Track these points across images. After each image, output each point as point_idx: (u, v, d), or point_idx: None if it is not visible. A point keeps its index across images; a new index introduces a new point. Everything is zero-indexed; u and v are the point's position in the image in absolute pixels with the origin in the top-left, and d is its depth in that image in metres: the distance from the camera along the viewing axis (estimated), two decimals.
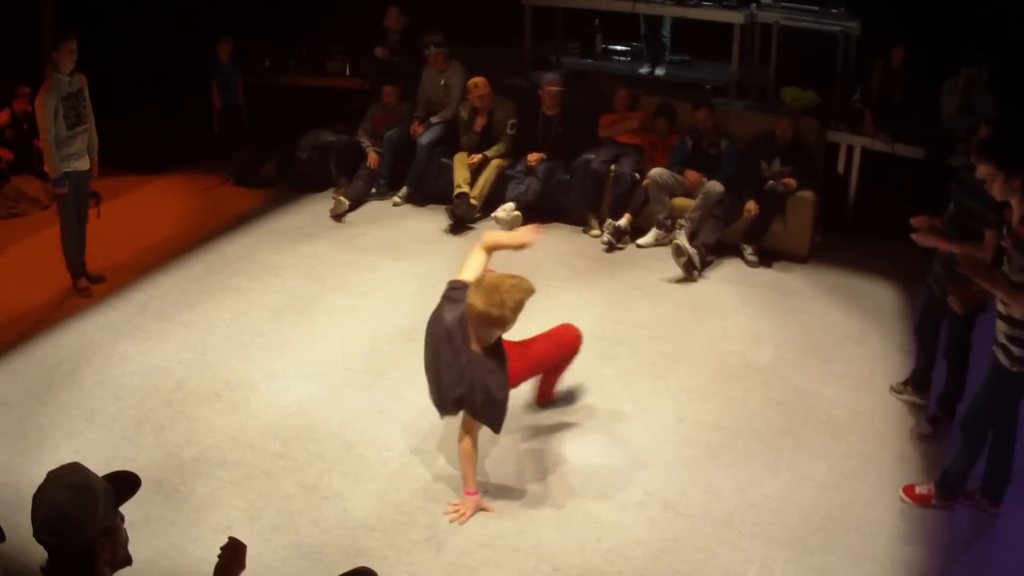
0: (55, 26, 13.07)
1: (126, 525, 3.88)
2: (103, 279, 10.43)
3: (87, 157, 9.93)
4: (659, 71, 15.22)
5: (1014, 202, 6.39)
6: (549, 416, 8.13)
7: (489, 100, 12.43)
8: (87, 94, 9.80)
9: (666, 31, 15.18)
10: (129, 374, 8.68)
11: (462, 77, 12.84)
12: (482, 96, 12.34)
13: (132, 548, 3.90)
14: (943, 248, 7.43)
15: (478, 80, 12.37)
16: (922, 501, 7.09)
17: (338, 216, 12.34)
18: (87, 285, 10.18)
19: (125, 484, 3.87)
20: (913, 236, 7.54)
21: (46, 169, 9.89)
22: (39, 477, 3.73)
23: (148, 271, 10.70)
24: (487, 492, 7.12)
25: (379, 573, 4.71)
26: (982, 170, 6.48)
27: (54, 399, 8.25)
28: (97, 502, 3.64)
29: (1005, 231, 6.46)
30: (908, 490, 7.18)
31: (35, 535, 3.62)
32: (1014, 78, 11.29)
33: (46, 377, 8.60)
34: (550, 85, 12.39)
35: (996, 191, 6.44)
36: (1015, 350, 6.33)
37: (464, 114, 12.62)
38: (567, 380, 8.44)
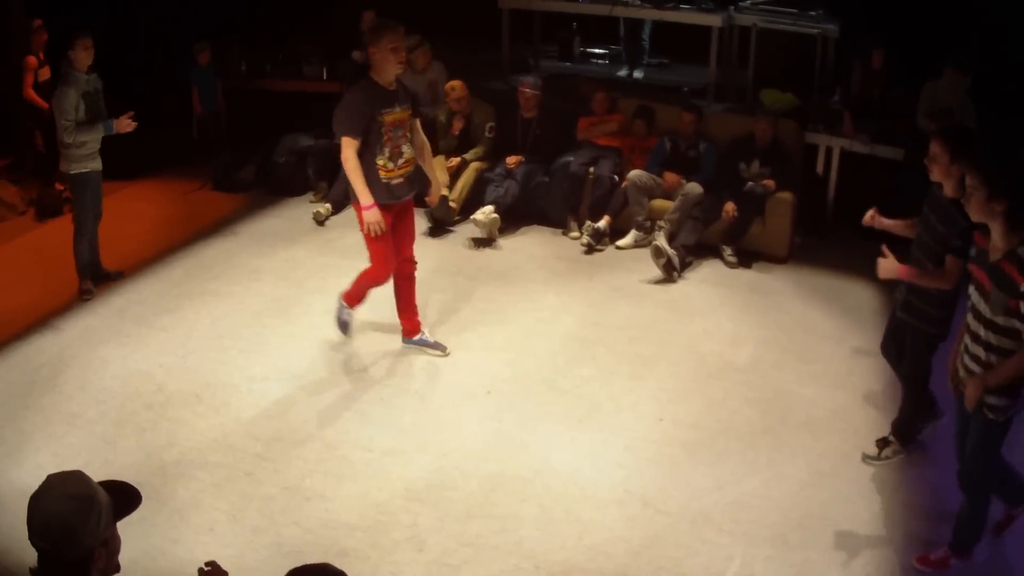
0: (23, 28, 13.07)
1: None
2: (122, 275, 10.55)
3: (100, 157, 9.95)
4: (637, 74, 15.26)
5: (994, 230, 5.94)
6: (529, 416, 8.18)
7: (467, 103, 12.44)
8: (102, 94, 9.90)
9: (646, 34, 15.23)
10: (110, 378, 8.66)
11: (445, 77, 12.87)
12: (459, 99, 12.35)
13: None
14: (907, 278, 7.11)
15: (455, 83, 12.38)
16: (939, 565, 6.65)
17: (321, 220, 12.35)
18: (90, 287, 10.13)
19: (125, 497, 3.82)
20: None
21: (61, 168, 9.96)
22: (19, 481, 3.74)
23: (127, 276, 10.68)
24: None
25: (362, 573, 4.72)
26: (969, 181, 5.99)
27: (35, 403, 8.23)
28: (100, 514, 3.60)
29: (977, 259, 6.10)
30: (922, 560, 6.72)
31: (31, 540, 3.58)
32: (994, 78, 11.39)
33: (26, 381, 8.58)
34: (524, 87, 12.41)
35: (972, 208, 5.99)
36: (994, 400, 6.07)
37: (442, 118, 12.61)
38: (547, 374, 8.54)
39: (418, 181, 8.77)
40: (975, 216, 6.03)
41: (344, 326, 9.09)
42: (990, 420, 6.12)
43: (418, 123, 8.71)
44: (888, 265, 7.07)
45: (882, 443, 7.81)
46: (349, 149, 8.18)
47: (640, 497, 7.13)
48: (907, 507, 7.17)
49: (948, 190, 6.89)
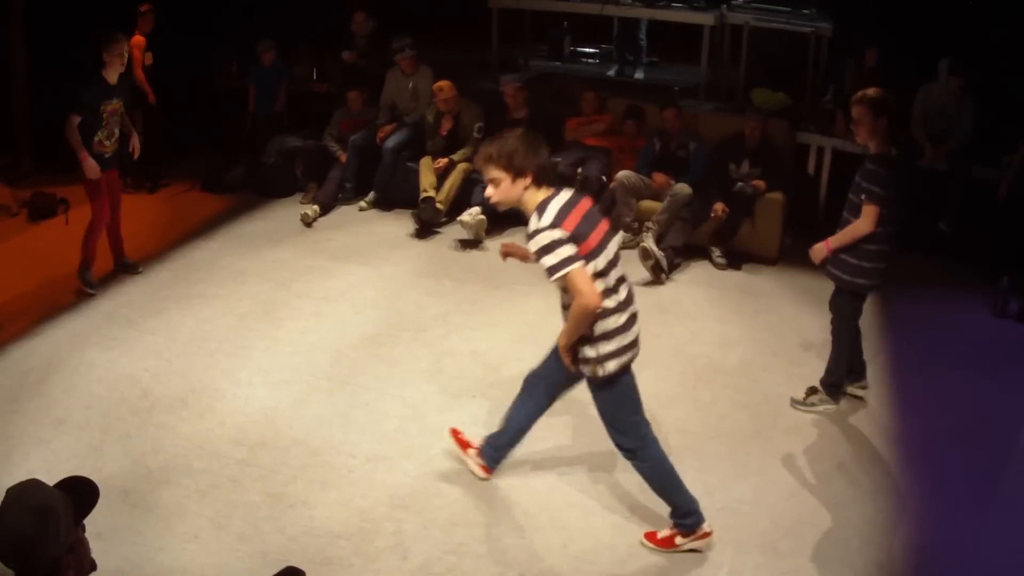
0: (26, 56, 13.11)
1: (93, 534, 3.85)
2: None
3: None
4: (639, 74, 15.27)
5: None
6: None
7: (455, 103, 12.39)
8: None
9: (643, 33, 15.21)
10: (96, 382, 8.61)
11: (430, 81, 12.80)
12: (447, 99, 12.29)
13: (100, 558, 3.89)
14: None
15: (443, 84, 12.32)
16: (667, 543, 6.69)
17: (309, 222, 12.29)
18: None
19: (84, 495, 3.81)
20: None
21: None
22: (6, 487, 3.70)
23: (115, 278, 10.64)
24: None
25: None
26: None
27: (22, 408, 8.18)
28: (59, 523, 3.59)
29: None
30: (650, 537, 6.75)
31: (1, 559, 3.57)
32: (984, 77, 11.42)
33: (15, 385, 8.52)
34: (505, 86, 12.40)
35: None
36: (587, 351, 6.25)
37: (430, 118, 12.57)
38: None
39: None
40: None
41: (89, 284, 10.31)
42: (596, 381, 6.38)
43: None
44: (815, 249, 8.06)
45: (811, 391, 8.38)
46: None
47: (627, 504, 7.08)
48: (901, 513, 7.10)
49: (872, 148, 7.72)
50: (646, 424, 6.56)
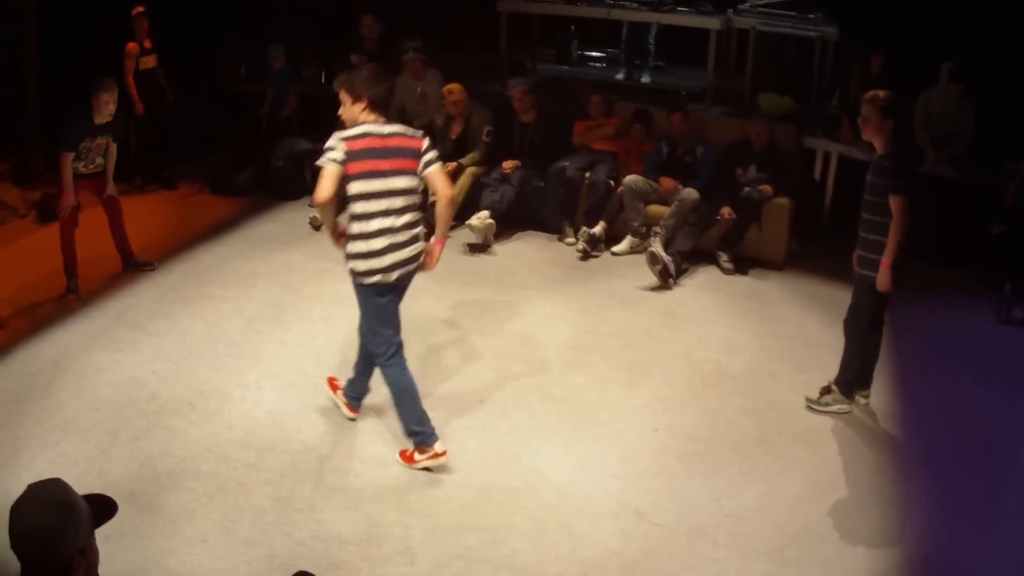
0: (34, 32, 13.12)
1: (99, 538, 3.86)
2: None
3: None
4: (646, 78, 15.26)
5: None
6: (522, 425, 8.12)
7: (464, 107, 12.37)
8: None
9: (652, 37, 15.20)
10: (104, 385, 8.61)
11: (439, 85, 12.78)
12: (457, 103, 12.28)
13: (106, 561, 3.90)
14: None
15: (453, 87, 12.32)
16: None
17: (318, 226, 12.28)
18: None
19: (102, 507, 3.84)
20: None
21: None
22: (15, 489, 3.71)
23: (124, 280, 10.65)
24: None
25: None
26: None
27: (29, 410, 8.18)
28: (80, 520, 3.61)
29: None
30: (402, 454, 7.64)
31: (14, 547, 3.58)
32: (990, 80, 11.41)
33: (22, 387, 8.52)
34: (513, 89, 12.42)
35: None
36: (348, 264, 7.31)
37: (440, 121, 12.55)
38: (541, 382, 8.50)
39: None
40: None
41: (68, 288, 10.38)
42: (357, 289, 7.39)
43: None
44: (882, 281, 7.85)
45: (824, 390, 8.47)
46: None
47: (634, 510, 7.08)
48: (906, 521, 7.10)
49: (879, 147, 7.87)
50: (398, 341, 7.49)
